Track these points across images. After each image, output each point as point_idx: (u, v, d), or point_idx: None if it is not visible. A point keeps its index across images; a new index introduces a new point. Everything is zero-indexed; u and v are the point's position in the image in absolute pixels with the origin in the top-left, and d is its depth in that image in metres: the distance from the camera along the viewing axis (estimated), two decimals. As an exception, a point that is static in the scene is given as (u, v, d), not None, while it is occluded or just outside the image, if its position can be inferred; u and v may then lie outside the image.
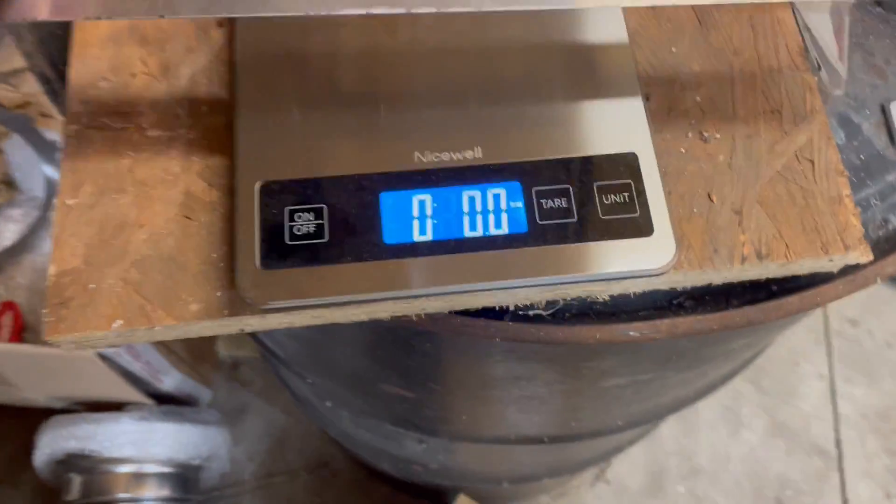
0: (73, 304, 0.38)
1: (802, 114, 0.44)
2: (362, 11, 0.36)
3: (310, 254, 0.37)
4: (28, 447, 1.27)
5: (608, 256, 0.38)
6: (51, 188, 1.41)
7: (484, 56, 0.41)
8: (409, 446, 0.92)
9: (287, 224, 0.38)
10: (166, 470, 1.31)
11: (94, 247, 0.40)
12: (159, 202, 0.41)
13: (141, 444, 1.26)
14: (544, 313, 0.42)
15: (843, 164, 0.43)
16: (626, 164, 0.39)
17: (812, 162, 0.43)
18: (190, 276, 0.39)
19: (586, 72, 0.41)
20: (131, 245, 0.40)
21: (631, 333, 0.41)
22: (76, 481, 1.28)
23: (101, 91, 0.43)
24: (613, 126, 0.40)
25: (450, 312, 0.42)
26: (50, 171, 1.40)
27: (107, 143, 0.42)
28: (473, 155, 0.40)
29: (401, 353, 0.52)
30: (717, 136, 0.43)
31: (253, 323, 0.40)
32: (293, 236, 0.38)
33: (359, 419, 0.86)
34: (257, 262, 0.37)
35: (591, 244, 0.38)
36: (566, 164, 0.39)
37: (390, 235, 0.38)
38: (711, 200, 0.42)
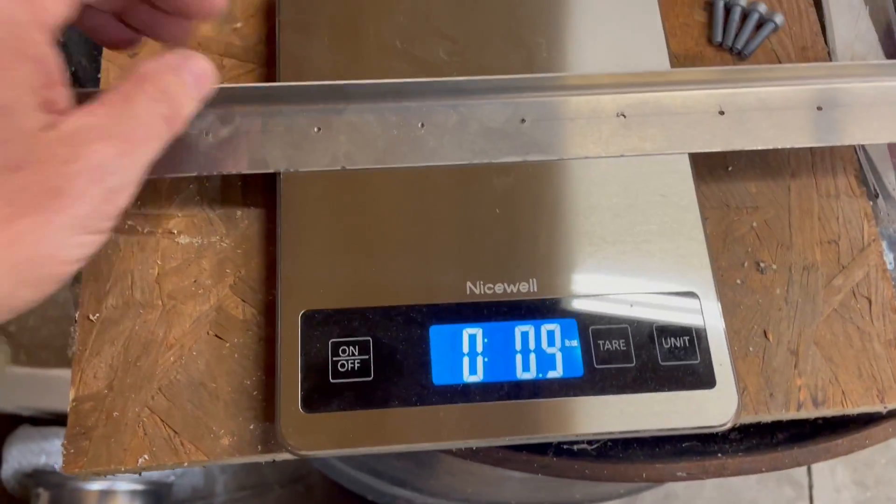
0: (94, 434, 0.36)
1: (859, 245, 0.42)
2: (519, 159, 0.39)
3: (354, 396, 0.35)
4: (-8, 454, 1.23)
5: (667, 410, 0.36)
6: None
7: (541, 188, 0.39)
8: (399, 492, 0.90)
9: (331, 359, 0.35)
10: (138, 487, 1.27)
11: (119, 369, 0.37)
12: (189, 319, 0.38)
13: (114, 462, 1.22)
14: (589, 448, 0.40)
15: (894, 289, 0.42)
16: (687, 305, 0.38)
17: (869, 300, 0.41)
18: (221, 405, 0.37)
19: (646, 202, 0.39)
20: (159, 367, 0.37)
21: (678, 474, 0.40)
22: (44, 496, 1.25)
23: (127, 190, 0.40)
24: (674, 261, 0.38)
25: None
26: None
27: (133, 250, 0.39)
28: (528, 288, 0.37)
29: (422, 454, 0.50)
30: (774, 266, 0.42)
31: (286, 456, 0.37)
32: (337, 373, 0.35)
33: (351, 468, 0.84)
34: (300, 404, 0.34)
35: (651, 395, 0.36)
36: (625, 301, 0.37)
37: (440, 376, 0.36)
38: (767, 339, 0.40)
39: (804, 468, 1.67)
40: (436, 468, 0.57)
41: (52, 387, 1.21)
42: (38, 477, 1.26)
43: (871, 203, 0.44)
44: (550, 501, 0.72)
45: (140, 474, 0.37)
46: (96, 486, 1.28)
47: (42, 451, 1.22)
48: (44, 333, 1.31)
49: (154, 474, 1.30)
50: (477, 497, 0.71)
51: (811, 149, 0.44)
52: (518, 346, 0.37)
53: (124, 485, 1.31)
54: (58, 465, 1.21)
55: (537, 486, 0.63)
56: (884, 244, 0.46)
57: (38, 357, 1.34)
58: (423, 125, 0.40)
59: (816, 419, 0.43)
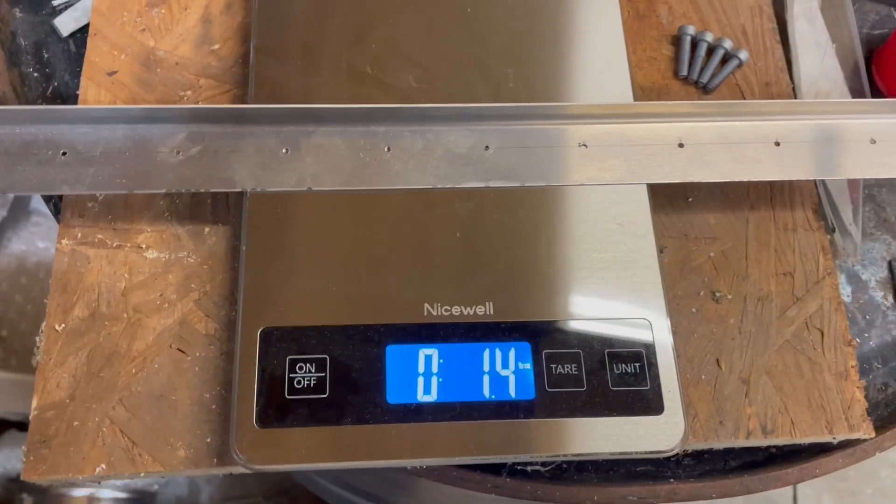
0: (54, 442, 0.37)
1: (814, 278, 0.43)
2: (482, 185, 0.40)
3: (309, 412, 0.36)
4: (-22, 460, 1.24)
5: (615, 435, 0.37)
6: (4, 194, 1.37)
7: (502, 214, 0.40)
8: (376, 507, 0.91)
9: (287, 375, 0.36)
10: (121, 496, 1.28)
11: (82, 379, 0.38)
12: (153, 332, 0.39)
13: (98, 470, 1.23)
14: (542, 469, 0.41)
15: (848, 321, 0.43)
16: (639, 332, 0.38)
17: (822, 332, 0.42)
18: (179, 418, 0.38)
19: (603, 230, 0.40)
20: (121, 379, 0.38)
21: (630, 498, 0.40)
22: (28, 502, 1.25)
23: (98, 204, 0.41)
24: (628, 288, 0.39)
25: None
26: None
27: (101, 263, 0.40)
28: (485, 311, 0.38)
29: (385, 471, 0.51)
30: (729, 296, 0.42)
31: (241, 470, 0.38)
32: (293, 389, 0.36)
33: (330, 483, 0.84)
34: (254, 418, 0.35)
35: (600, 420, 0.37)
36: (579, 326, 0.38)
37: (394, 395, 0.37)
38: (720, 367, 0.41)
39: (790, 496, 1.67)
40: (403, 486, 0.58)
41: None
42: (23, 482, 1.26)
43: (829, 237, 0.45)
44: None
45: (99, 483, 0.38)
46: (80, 492, 1.28)
47: (27, 457, 1.22)
48: (35, 339, 1.31)
49: (138, 483, 1.31)
50: (449, 515, 0.71)
51: (770, 182, 0.45)
52: (473, 367, 0.37)
53: (108, 493, 1.31)
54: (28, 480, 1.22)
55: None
56: (842, 278, 0.47)
57: (29, 363, 1.34)
58: (389, 149, 0.41)
59: (770, 447, 0.44)
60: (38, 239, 1.35)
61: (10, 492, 1.30)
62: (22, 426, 1.30)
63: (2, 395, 1.30)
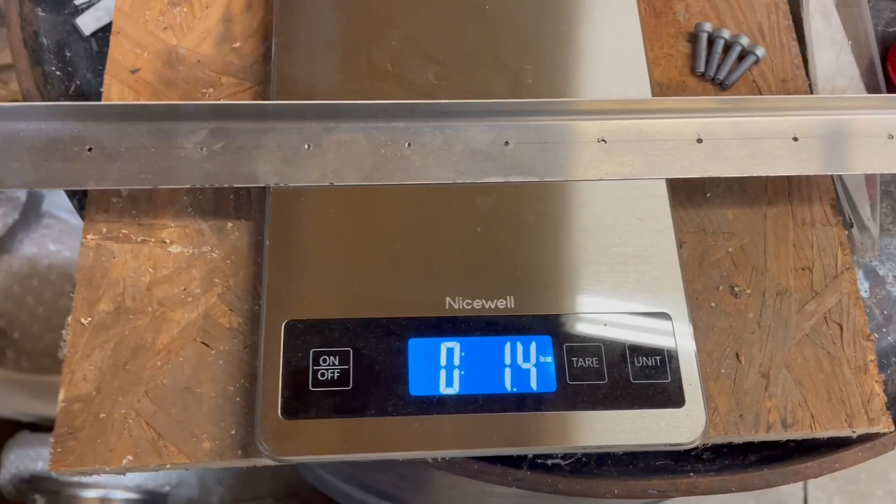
0: (81, 434, 0.37)
1: (833, 273, 0.44)
2: (501, 180, 0.41)
3: (333, 404, 0.36)
4: (-9, 458, 1.24)
5: (636, 427, 0.37)
6: (32, 190, 1.38)
7: (522, 209, 0.40)
8: (389, 507, 0.91)
9: (311, 368, 0.37)
10: (133, 496, 1.28)
11: (108, 372, 0.38)
12: (177, 326, 0.39)
13: (111, 471, 1.23)
14: (562, 462, 0.41)
15: (866, 317, 0.43)
16: (660, 325, 0.39)
17: (840, 326, 0.42)
18: (205, 410, 0.38)
19: (623, 225, 0.40)
20: (146, 371, 0.38)
21: (649, 491, 0.41)
22: (40, 502, 1.26)
23: (123, 200, 0.41)
24: (648, 282, 0.39)
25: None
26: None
27: (126, 258, 0.40)
28: (506, 304, 0.39)
29: (404, 468, 0.51)
30: (748, 291, 0.43)
31: (266, 462, 0.38)
32: (317, 382, 0.36)
33: (342, 482, 0.84)
34: (279, 410, 0.36)
35: (621, 412, 0.37)
36: (599, 320, 0.39)
37: (416, 387, 0.37)
38: (739, 361, 0.41)
39: (801, 499, 1.66)
40: (420, 482, 0.58)
41: (54, 393, 1.22)
42: (36, 483, 1.27)
43: (847, 232, 0.45)
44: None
45: (124, 475, 0.38)
46: (92, 493, 1.29)
47: (40, 458, 1.23)
48: (46, 341, 1.32)
49: (149, 484, 1.31)
50: (463, 513, 0.72)
51: (788, 178, 0.45)
52: (494, 360, 0.38)
53: (120, 493, 1.31)
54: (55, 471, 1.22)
55: (523, 503, 0.64)
56: (860, 273, 0.47)
57: (41, 364, 1.35)
58: (410, 145, 0.41)
59: (789, 442, 0.44)
60: (50, 241, 1.35)
61: (23, 493, 1.31)
62: (34, 427, 1.31)
63: (13, 396, 1.30)
